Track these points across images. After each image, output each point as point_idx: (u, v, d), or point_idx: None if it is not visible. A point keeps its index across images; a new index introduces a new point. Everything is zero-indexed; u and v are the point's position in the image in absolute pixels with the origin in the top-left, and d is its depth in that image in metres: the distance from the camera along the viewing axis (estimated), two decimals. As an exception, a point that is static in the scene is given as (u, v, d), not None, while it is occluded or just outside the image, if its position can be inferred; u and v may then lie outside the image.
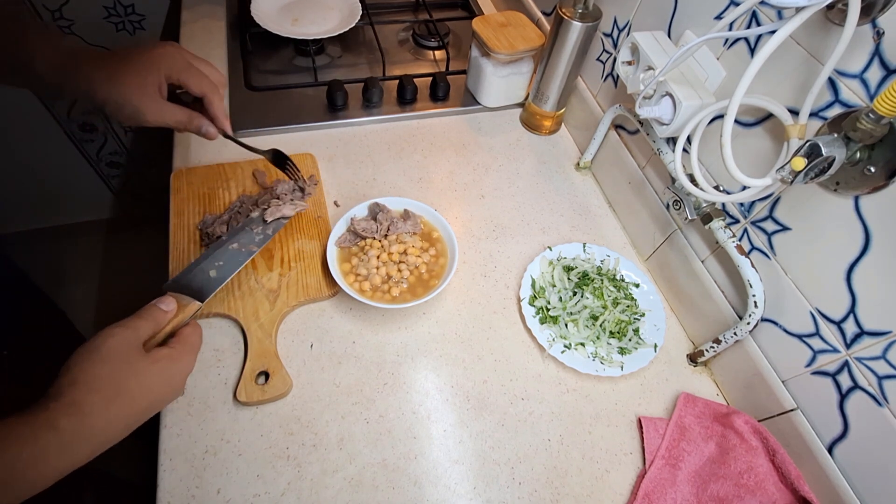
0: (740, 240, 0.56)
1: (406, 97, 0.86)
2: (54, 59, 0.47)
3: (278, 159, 0.62)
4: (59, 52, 0.48)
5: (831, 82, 0.45)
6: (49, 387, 0.38)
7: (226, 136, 0.56)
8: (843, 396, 0.48)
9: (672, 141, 0.63)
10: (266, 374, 0.55)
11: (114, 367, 0.40)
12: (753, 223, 0.56)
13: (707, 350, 0.62)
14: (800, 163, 0.41)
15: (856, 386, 0.47)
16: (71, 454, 0.37)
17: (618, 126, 0.77)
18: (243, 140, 0.58)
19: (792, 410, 0.53)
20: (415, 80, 0.87)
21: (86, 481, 0.89)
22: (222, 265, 0.52)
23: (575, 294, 0.65)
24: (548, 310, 0.64)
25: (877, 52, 0.41)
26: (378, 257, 0.63)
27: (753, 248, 0.56)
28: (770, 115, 0.51)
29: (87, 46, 0.49)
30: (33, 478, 0.36)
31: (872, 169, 0.42)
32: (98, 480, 0.93)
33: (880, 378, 0.45)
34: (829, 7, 0.42)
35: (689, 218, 0.59)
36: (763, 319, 0.55)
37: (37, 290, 0.98)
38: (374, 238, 0.65)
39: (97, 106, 0.49)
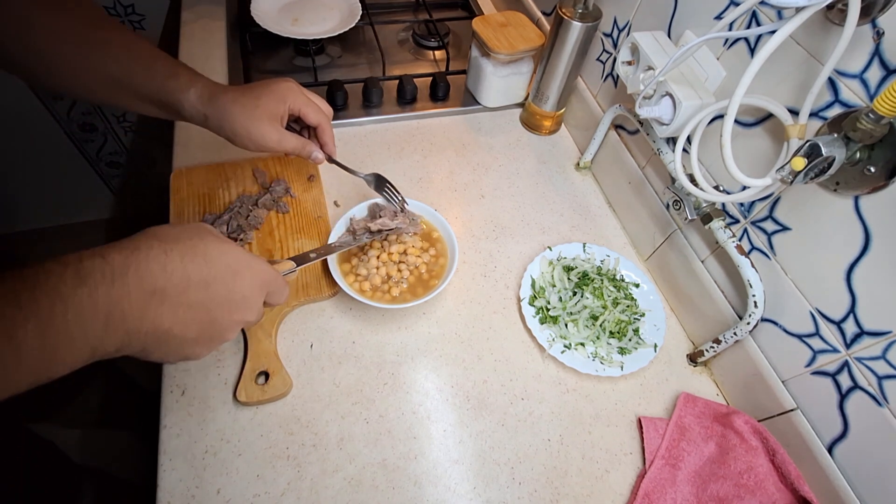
0: (740, 240, 0.56)
1: (406, 97, 0.86)
2: (200, 93, 0.53)
3: (379, 183, 0.66)
4: (204, 88, 0.54)
5: (831, 82, 0.45)
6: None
7: (331, 160, 0.62)
8: (842, 396, 0.48)
9: (672, 141, 0.63)
10: (266, 375, 0.55)
11: (185, 228, 0.38)
12: (753, 223, 0.56)
13: (707, 350, 0.62)
14: (800, 163, 0.41)
15: (856, 386, 0.47)
16: (117, 293, 0.32)
17: (618, 126, 0.77)
18: (347, 165, 0.64)
19: (792, 410, 0.53)
20: (415, 80, 0.87)
21: (86, 481, 0.89)
22: (321, 251, 0.57)
23: (575, 294, 0.65)
24: (548, 310, 0.64)
25: (877, 52, 0.41)
26: (378, 257, 0.63)
27: (753, 248, 0.56)
28: (770, 115, 0.51)
29: (218, 83, 0.56)
30: (75, 319, 0.31)
31: (872, 169, 0.42)
32: (98, 480, 0.93)
33: (880, 378, 0.45)
34: (829, 7, 0.42)
35: (689, 218, 0.59)
36: (763, 319, 0.55)
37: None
38: (374, 238, 0.65)
39: (228, 135, 0.55)
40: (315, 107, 0.59)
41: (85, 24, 0.50)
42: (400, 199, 0.66)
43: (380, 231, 0.64)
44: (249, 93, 0.55)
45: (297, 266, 0.51)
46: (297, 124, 0.61)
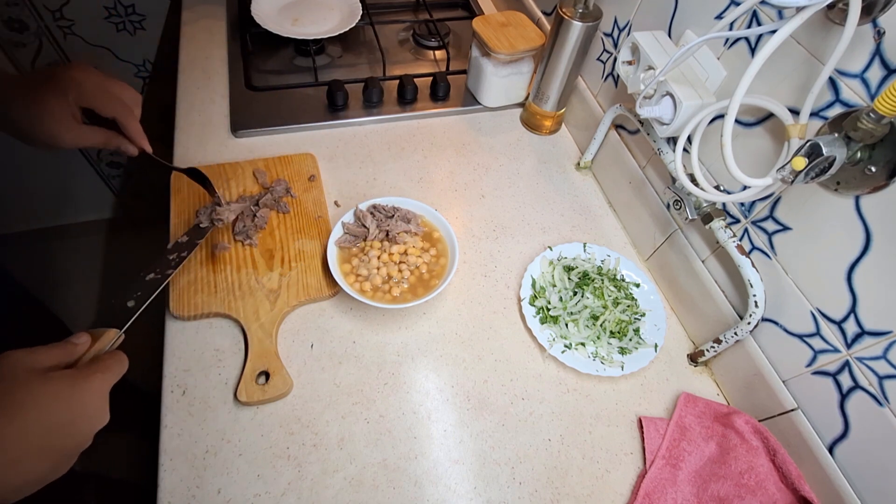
0: (741, 240, 0.56)
1: (406, 97, 0.86)
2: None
3: (196, 176, 0.62)
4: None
5: (832, 82, 0.45)
6: None
7: (146, 155, 0.55)
8: (843, 396, 0.48)
9: (672, 141, 0.63)
10: (266, 374, 0.55)
11: (4, 386, 0.35)
12: (754, 223, 0.56)
13: (707, 350, 0.62)
14: (800, 162, 0.41)
15: (856, 386, 0.47)
16: None
17: (618, 126, 0.76)
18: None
19: (792, 410, 0.53)
20: (415, 79, 0.87)
21: (87, 486, 0.89)
22: (140, 295, 0.49)
23: (575, 294, 0.65)
24: (548, 310, 0.64)
25: (877, 52, 0.41)
26: (378, 258, 0.63)
27: (754, 247, 0.56)
28: (770, 115, 0.51)
29: (3, 71, 0.50)
30: None
31: (873, 168, 0.42)
32: (98, 484, 0.93)
33: (881, 378, 0.45)
34: (830, 7, 0.42)
35: (690, 218, 0.59)
36: (764, 319, 0.55)
37: (33, 299, 0.97)
38: (375, 238, 0.65)
39: (11, 134, 0.49)
40: (107, 97, 0.50)
41: None
42: (217, 195, 0.61)
43: (202, 228, 0.61)
44: (26, 86, 0.48)
45: (123, 329, 0.45)
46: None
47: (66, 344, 0.41)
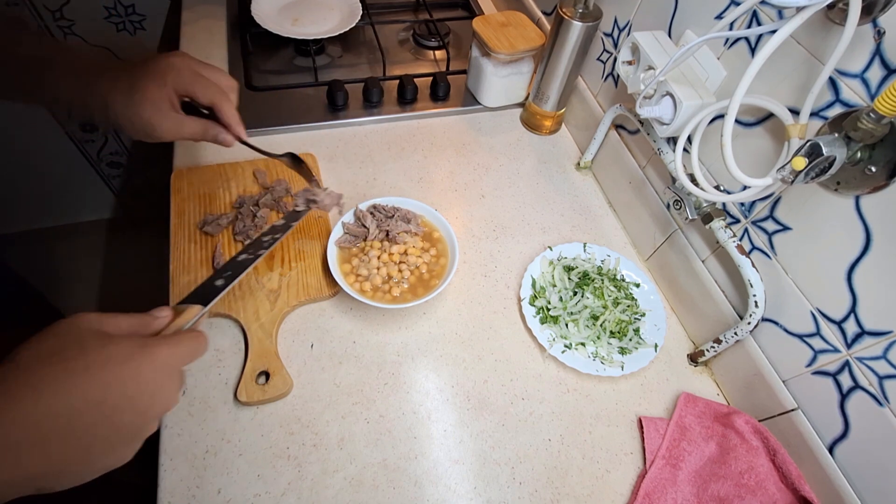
0: (741, 240, 0.56)
1: (406, 97, 0.86)
2: (76, 85, 0.47)
3: (295, 163, 0.62)
4: (79, 77, 0.47)
5: (832, 82, 0.45)
6: None
7: (241, 141, 0.55)
8: (843, 396, 0.48)
9: (672, 141, 0.63)
10: (266, 374, 0.55)
11: (60, 342, 0.32)
12: (754, 223, 0.56)
13: (707, 350, 0.62)
14: (800, 162, 0.41)
15: (856, 386, 0.47)
16: None
17: (618, 126, 0.76)
18: (259, 145, 0.58)
19: (792, 410, 0.53)
20: (415, 80, 0.87)
21: (88, 483, 0.89)
22: (230, 274, 0.49)
23: (575, 294, 0.65)
24: (548, 310, 0.64)
25: (877, 52, 0.41)
26: (378, 258, 0.63)
27: (754, 247, 0.56)
28: (771, 115, 0.51)
29: (100, 62, 0.49)
30: None
31: (873, 168, 0.42)
32: (100, 482, 0.93)
33: (881, 378, 0.45)
34: (830, 7, 0.42)
35: (690, 218, 0.59)
36: (764, 319, 0.55)
37: (35, 292, 0.97)
38: (375, 238, 0.65)
39: (111, 125, 0.48)
40: (206, 83, 0.50)
41: None
42: (313, 179, 0.61)
43: (297, 212, 0.61)
44: (128, 75, 0.47)
45: (206, 306, 0.43)
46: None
47: (144, 315, 0.38)
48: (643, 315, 0.66)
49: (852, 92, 0.43)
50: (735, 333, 0.57)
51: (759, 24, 0.51)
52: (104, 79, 0.47)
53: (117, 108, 0.46)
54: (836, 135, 0.41)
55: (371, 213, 0.66)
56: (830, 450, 0.50)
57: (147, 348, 0.33)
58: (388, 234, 0.65)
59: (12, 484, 0.29)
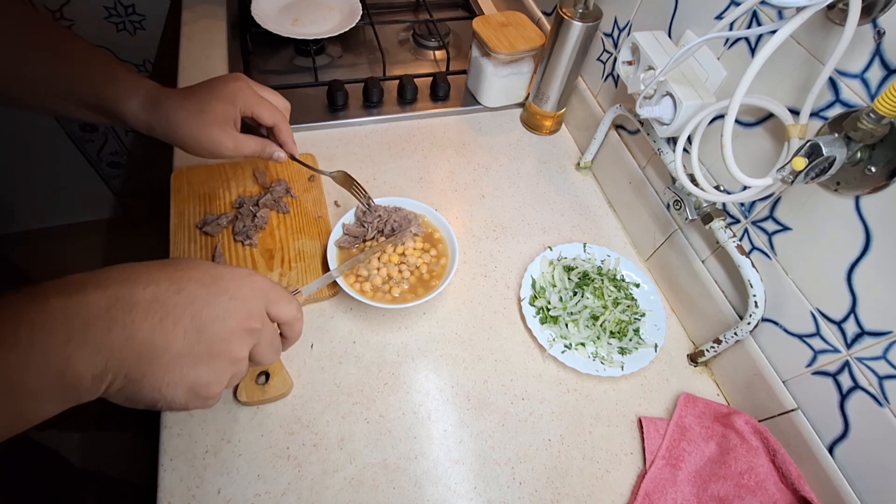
0: (741, 240, 0.56)
1: (406, 97, 0.86)
2: (142, 102, 0.49)
3: (346, 180, 0.64)
4: (146, 95, 0.50)
5: (832, 82, 0.45)
6: None
7: (293, 158, 0.59)
8: (843, 396, 0.48)
9: (672, 141, 0.63)
10: (266, 374, 0.55)
11: (168, 262, 0.35)
12: (754, 223, 0.56)
13: (707, 350, 0.62)
14: (800, 163, 0.41)
15: (856, 386, 0.47)
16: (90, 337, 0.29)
17: (618, 126, 0.76)
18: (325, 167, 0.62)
19: (792, 410, 0.53)
20: (415, 80, 0.87)
21: (88, 484, 0.89)
22: (325, 277, 0.56)
23: (575, 294, 0.65)
24: (548, 310, 0.64)
25: (877, 52, 0.41)
26: (379, 258, 0.63)
27: (754, 248, 0.56)
28: (771, 115, 0.51)
29: (163, 86, 0.52)
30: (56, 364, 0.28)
31: (873, 169, 0.42)
32: (100, 483, 0.93)
33: (881, 378, 0.45)
34: (830, 7, 0.42)
35: (690, 218, 0.59)
36: (763, 319, 0.55)
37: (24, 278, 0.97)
38: (374, 239, 0.65)
39: (179, 144, 0.51)
40: (268, 105, 0.55)
41: (17, 27, 0.46)
42: (367, 196, 0.64)
43: (387, 232, 0.64)
44: (194, 96, 0.51)
45: (306, 293, 0.49)
46: (254, 121, 0.57)
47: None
48: (643, 315, 0.66)
49: (852, 92, 0.43)
50: (735, 333, 0.57)
51: (759, 24, 0.51)
52: (171, 101, 0.50)
53: (186, 127, 0.50)
54: (836, 135, 0.41)
55: (371, 214, 0.66)
56: (830, 450, 0.50)
57: (254, 275, 0.38)
58: (388, 235, 0.65)
59: (110, 348, 0.30)
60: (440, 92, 0.88)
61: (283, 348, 0.42)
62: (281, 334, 0.42)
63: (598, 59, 0.78)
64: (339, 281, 0.59)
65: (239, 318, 0.35)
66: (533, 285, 0.67)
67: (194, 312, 0.33)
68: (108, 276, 0.31)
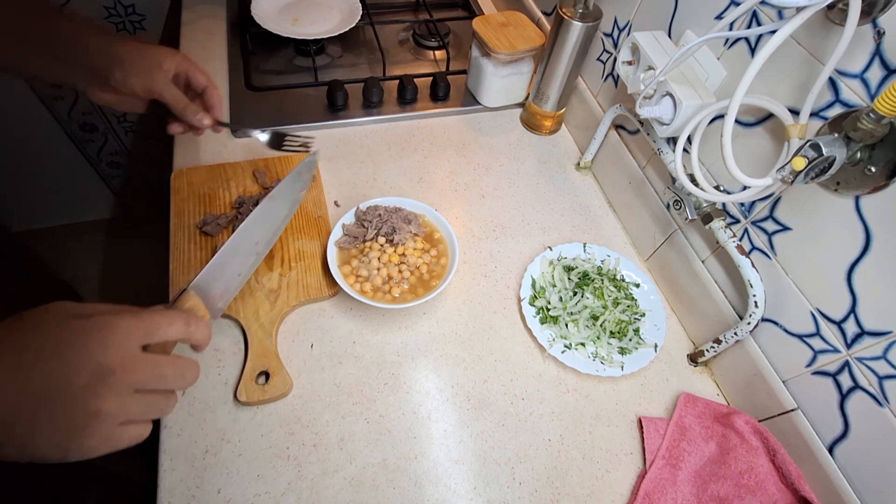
0: (741, 240, 0.56)
1: (406, 97, 0.86)
2: (81, 29, 0.52)
3: (276, 140, 0.66)
4: (87, 24, 0.53)
5: (832, 82, 0.45)
6: None
7: (220, 123, 0.61)
8: (843, 396, 0.48)
9: (672, 141, 0.63)
10: (266, 374, 0.55)
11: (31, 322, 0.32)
12: (754, 223, 0.56)
13: (707, 350, 0.62)
14: (800, 163, 0.41)
15: (856, 386, 0.47)
16: None
17: (618, 126, 0.76)
18: (259, 145, 0.64)
19: (792, 410, 0.53)
20: (415, 80, 0.87)
21: (89, 482, 0.89)
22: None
23: (575, 294, 0.65)
24: (548, 310, 0.64)
25: (877, 52, 0.41)
26: (379, 258, 0.63)
27: (754, 248, 0.56)
28: (770, 115, 0.51)
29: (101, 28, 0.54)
30: None
31: (873, 169, 0.42)
32: (101, 480, 0.93)
33: (881, 378, 0.45)
34: (830, 7, 0.42)
35: (690, 218, 0.59)
36: (763, 319, 0.55)
37: (39, 261, 0.97)
38: (375, 239, 0.65)
39: (116, 61, 0.52)
40: (202, 70, 0.58)
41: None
42: (303, 145, 0.67)
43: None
44: (131, 43, 0.54)
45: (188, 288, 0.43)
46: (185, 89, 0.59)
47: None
48: (643, 315, 0.66)
49: (852, 92, 0.43)
50: (735, 333, 0.57)
51: (759, 24, 0.51)
52: (111, 35, 0.53)
53: (127, 55, 0.52)
54: (836, 135, 0.41)
55: (371, 214, 0.66)
56: (830, 450, 0.50)
57: (107, 316, 0.33)
58: (388, 235, 0.65)
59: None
60: (440, 92, 0.88)
61: (187, 376, 0.38)
62: (193, 347, 0.40)
63: (598, 59, 0.78)
64: (339, 281, 0.59)
65: (93, 368, 0.32)
66: (533, 285, 0.67)
67: (43, 375, 0.31)
68: None
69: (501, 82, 0.84)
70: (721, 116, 0.54)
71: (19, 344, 0.31)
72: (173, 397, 0.37)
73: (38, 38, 0.52)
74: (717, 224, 0.56)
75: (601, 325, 0.63)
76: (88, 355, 0.31)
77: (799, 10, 0.40)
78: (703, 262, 0.63)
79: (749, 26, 0.52)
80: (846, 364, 0.48)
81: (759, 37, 0.51)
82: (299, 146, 0.67)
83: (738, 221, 0.58)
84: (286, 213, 0.57)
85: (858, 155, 0.42)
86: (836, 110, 0.45)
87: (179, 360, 0.37)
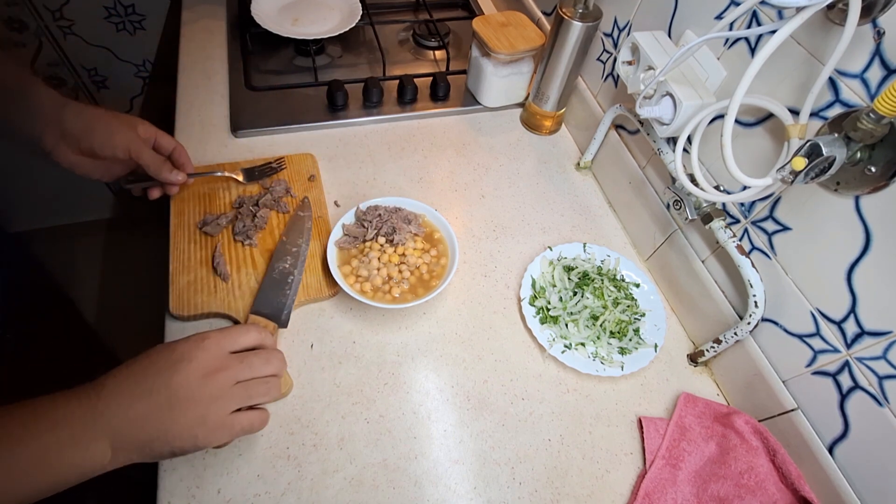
0: (741, 240, 0.56)
1: (406, 97, 0.86)
2: (53, 98, 0.55)
3: (250, 175, 0.72)
4: (57, 92, 0.55)
5: (832, 82, 0.45)
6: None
7: (190, 175, 0.66)
8: (843, 396, 0.48)
9: (672, 141, 0.63)
10: (266, 374, 0.55)
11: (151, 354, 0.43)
12: (754, 223, 0.56)
13: (707, 350, 0.62)
14: (800, 163, 0.41)
15: (856, 386, 0.47)
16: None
17: (618, 126, 0.77)
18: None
19: (792, 410, 0.53)
20: (415, 80, 0.87)
21: (87, 482, 0.88)
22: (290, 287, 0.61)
23: (575, 294, 0.65)
24: (548, 310, 0.64)
25: (877, 52, 0.41)
26: (379, 258, 0.63)
27: (754, 248, 0.56)
28: (770, 115, 0.51)
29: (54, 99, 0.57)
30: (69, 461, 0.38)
31: (873, 169, 0.42)
32: (99, 481, 0.93)
33: (881, 378, 0.45)
34: (830, 7, 0.42)
35: (690, 218, 0.59)
36: (763, 319, 0.55)
37: (43, 272, 0.97)
38: (375, 239, 0.65)
39: (81, 133, 0.55)
40: (167, 134, 0.63)
41: None
42: (273, 168, 0.72)
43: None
44: (103, 110, 0.58)
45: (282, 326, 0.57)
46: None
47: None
48: (643, 315, 0.66)
49: (852, 92, 0.43)
50: (735, 333, 0.57)
51: (759, 24, 0.51)
52: (80, 104, 0.56)
53: (98, 122, 0.56)
54: (836, 135, 0.41)
55: (371, 214, 0.66)
56: (830, 450, 0.50)
57: (200, 336, 0.45)
58: (388, 235, 0.65)
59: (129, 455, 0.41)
60: (440, 92, 0.88)
61: (273, 361, 0.48)
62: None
63: (598, 59, 0.78)
64: (339, 281, 0.59)
65: (199, 373, 0.43)
66: (533, 285, 0.67)
67: (164, 386, 0.42)
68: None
69: (501, 82, 0.84)
70: (721, 116, 0.54)
71: (145, 381, 0.42)
72: (273, 382, 0.47)
73: (11, 96, 0.54)
74: (717, 224, 0.56)
75: (601, 325, 0.63)
76: (196, 364, 0.43)
77: (799, 10, 0.40)
78: (703, 262, 0.63)
79: (749, 26, 0.52)
80: (846, 364, 0.48)
81: (759, 37, 0.51)
82: (270, 169, 0.72)
83: (738, 221, 0.58)
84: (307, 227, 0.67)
85: (858, 155, 0.42)
86: (836, 110, 0.45)
87: (264, 350, 0.48)
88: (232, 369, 0.44)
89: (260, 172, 0.71)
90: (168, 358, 0.43)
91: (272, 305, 0.58)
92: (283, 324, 0.57)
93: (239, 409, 0.45)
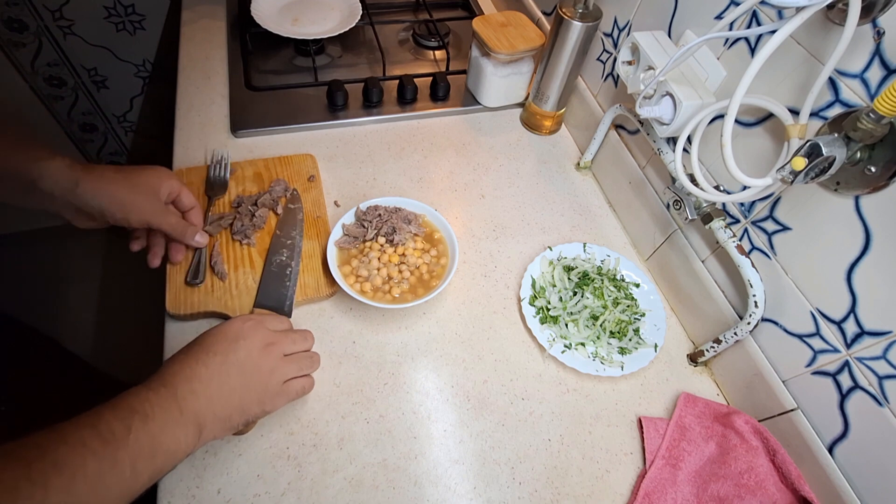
0: (741, 240, 0.56)
1: (406, 97, 0.86)
2: (69, 163, 0.53)
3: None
4: (70, 159, 0.53)
5: (832, 82, 0.45)
6: None
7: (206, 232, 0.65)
8: (843, 396, 0.48)
9: (672, 141, 0.63)
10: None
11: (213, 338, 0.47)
12: (754, 223, 0.56)
13: (707, 350, 0.62)
14: (800, 163, 0.41)
15: (856, 386, 0.47)
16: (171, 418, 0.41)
17: (618, 126, 0.77)
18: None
19: (792, 410, 0.53)
20: (415, 80, 0.87)
21: None
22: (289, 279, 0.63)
23: (575, 294, 0.65)
24: (548, 310, 0.64)
25: (877, 52, 0.41)
26: (379, 258, 0.63)
27: (754, 247, 0.56)
28: (770, 115, 0.51)
29: (84, 162, 0.56)
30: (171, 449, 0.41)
31: (873, 169, 0.42)
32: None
33: (881, 378, 0.45)
34: (830, 7, 0.42)
35: (690, 218, 0.59)
36: (763, 319, 0.55)
37: (30, 330, 0.95)
38: (375, 239, 0.65)
39: (103, 204, 0.54)
40: (189, 192, 0.62)
41: None
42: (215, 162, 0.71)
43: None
44: (124, 170, 0.57)
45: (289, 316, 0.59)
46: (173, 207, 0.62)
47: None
48: (643, 315, 0.66)
49: (852, 92, 0.43)
50: (735, 333, 0.57)
51: (758, 24, 0.51)
52: (99, 167, 0.55)
53: (117, 189, 0.54)
54: (836, 135, 0.41)
55: (371, 214, 0.66)
56: (830, 450, 0.50)
57: (246, 321, 0.50)
58: (388, 235, 0.65)
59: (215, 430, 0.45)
60: (440, 92, 0.88)
61: (308, 338, 0.55)
62: None
63: (598, 59, 0.78)
64: (339, 281, 0.59)
65: (258, 347, 0.48)
66: (533, 285, 0.67)
67: (233, 362, 0.46)
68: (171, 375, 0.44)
69: (501, 82, 0.84)
70: (721, 116, 0.54)
71: (213, 360, 0.46)
72: (316, 357, 0.54)
73: (17, 181, 0.52)
74: (717, 224, 0.56)
75: (601, 325, 0.63)
76: (252, 341, 0.48)
77: (799, 10, 0.40)
78: (703, 262, 0.63)
79: (749, 26, 0.52)
80: (846, 364, 0.48)
81: (759, 37, 0.51)
82: (217, 164, 0.71)
83: (738, 221, 0.58)
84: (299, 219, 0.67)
85: (858, 155, 0.42)
86: (836, 110, 0.45)
87: (300, 330, 0.55)
88: (280, 344, 0.50)
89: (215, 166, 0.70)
90: (225, 338, 0.47)
91: (274, 297, 0.59)
92: (286, 314, 0.58)
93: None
